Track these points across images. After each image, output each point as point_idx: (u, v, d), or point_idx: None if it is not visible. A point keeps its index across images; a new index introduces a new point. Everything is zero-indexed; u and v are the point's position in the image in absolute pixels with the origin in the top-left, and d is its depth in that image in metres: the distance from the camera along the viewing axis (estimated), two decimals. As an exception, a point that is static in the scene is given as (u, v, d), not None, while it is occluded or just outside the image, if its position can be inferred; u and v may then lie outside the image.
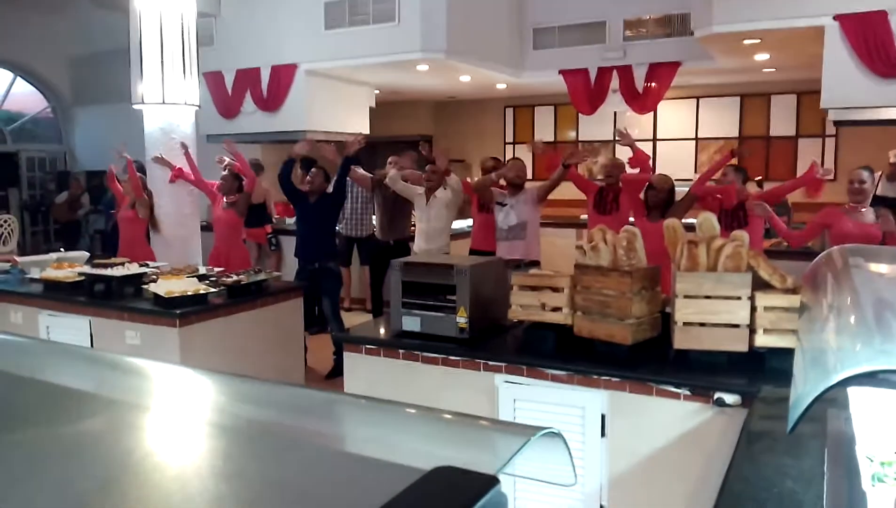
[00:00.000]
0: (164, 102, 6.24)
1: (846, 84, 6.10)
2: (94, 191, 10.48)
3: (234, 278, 4.65)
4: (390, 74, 8.45)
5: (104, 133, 7.53)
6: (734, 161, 5.66)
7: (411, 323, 3.38)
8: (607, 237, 3.10)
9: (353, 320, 6.60)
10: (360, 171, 6.84)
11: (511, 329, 3.43)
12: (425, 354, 3.29)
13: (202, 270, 5.15)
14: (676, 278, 2.87)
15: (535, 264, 5.27)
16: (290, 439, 1.03)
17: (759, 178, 8.35)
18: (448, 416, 1.04)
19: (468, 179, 6.30)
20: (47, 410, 1.13)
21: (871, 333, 1.26)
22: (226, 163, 6.43)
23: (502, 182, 5.87)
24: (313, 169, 6.01)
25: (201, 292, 4.31)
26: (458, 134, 11.93)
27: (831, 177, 5.98)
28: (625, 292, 2.90)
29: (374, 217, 7.45)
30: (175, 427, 1.06)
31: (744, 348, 2.77)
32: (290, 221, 8.09)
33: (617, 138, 5.53)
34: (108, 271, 4.67)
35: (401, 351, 3.36)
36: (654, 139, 10.79)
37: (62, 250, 6.25)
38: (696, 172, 9.82)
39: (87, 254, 5.97)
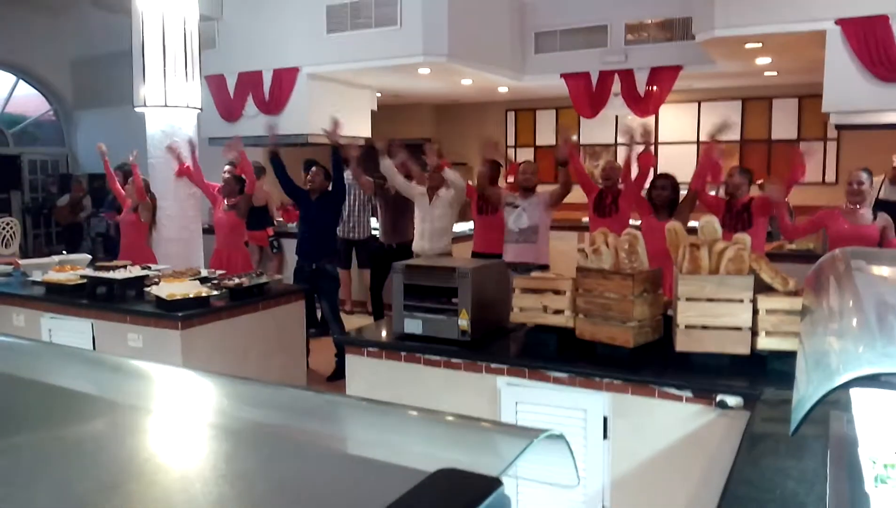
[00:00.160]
0: (166, 105, 6.25)
1: (848, 88, 6.11)
2: (95, 194, 10.49)
3: (236, 280, 4.66)
4: (392, 78, 8.46)
5: (106, 136, 7.52)
6: (721, 146, 5.45)
7: (413, 326, 3.39)
8: (609, 240, 3.11)
9: (355, 322, 6.60)
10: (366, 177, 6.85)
11: (513, 332, 3.43)
12: (427, 356, 3.29)
13: (204, 272, 5.16)
14: (678, 281, 2.87)
15: (545, 267, 5.24)
16: (293, 441, 1.03)
17: (761, 181, 8.34)
18: (450, 418, 1.04)
19: (469, 182, 6.29)
20: (50, 413, 1.13)
21: (874, 335, 1.26)
22: (231, 157, 6.41)
23: (511, 180, 5.82)
24: (313, 168, 6.03)
25: (203, 294, 4.31)
26: (459, 137, 11.93)
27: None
28: (626, 295, 2.90)
29: (373, 220, 7.45)
30: (177, 430, 1.06)
31: (746, 350, 2.77)
32: (293, 225, 8.08)
33: (640, 137, 5.46)
34: (110, 274, 4.68)
35: (403, 354, 3.36)
36: (656, 143, 10.79)
37: (64, 252, 6.26)
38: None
39: (89, 257, 5.97)
